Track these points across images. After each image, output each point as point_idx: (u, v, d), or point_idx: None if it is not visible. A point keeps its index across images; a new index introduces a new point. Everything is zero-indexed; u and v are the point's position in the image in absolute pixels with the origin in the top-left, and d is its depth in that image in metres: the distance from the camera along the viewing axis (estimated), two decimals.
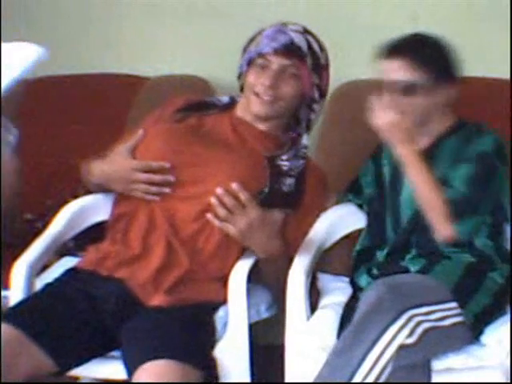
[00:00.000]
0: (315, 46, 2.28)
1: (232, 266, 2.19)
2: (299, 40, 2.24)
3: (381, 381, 1.92)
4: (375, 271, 2.29)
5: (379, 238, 2.35)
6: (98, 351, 2.11)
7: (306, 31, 2.29)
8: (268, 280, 2.27)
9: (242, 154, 2.25)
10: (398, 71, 2.21)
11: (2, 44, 1.91)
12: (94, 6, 3.08)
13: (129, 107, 2.85)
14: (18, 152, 2.06)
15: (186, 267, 2.16)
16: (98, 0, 3.08)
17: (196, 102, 2.37)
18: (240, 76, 2.34)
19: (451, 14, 2.83)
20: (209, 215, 2.11)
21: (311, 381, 2.01)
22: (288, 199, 2.24)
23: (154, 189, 2.22)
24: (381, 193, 2.39)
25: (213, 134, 2.30)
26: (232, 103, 2.37)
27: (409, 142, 2.18)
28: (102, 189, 2.35)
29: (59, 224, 2.40)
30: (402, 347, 1.92)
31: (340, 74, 2.86)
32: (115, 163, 2.27)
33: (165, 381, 1.90)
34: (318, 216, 2.33)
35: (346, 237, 2.52)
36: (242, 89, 2.34)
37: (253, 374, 2.17)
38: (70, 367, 2.08)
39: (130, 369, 1.97)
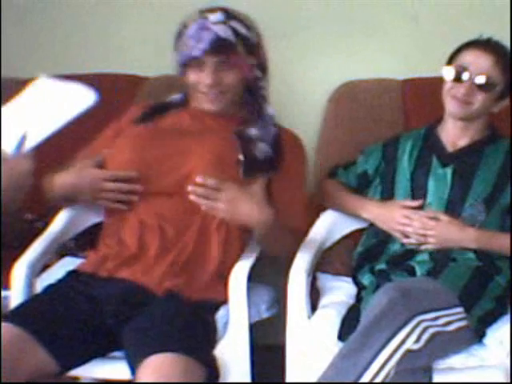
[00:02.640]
0: (242, 30, 2.26)
1: (232, 258, 2.21)
2: (224, 32, 2.23)
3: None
4: (383, 266, 2.29)
5: (387, 233, 2.36)
6: (99, 352, 2.11)
7: (227, 17, 2.25)
8: (271, 254, 2.29)
9: (209, 135, 2.28)
10: (485, 64, 2.28)
11: (54, 81, 1.91)
12: (94, 6, 3.07)
13: (129, 107, 2.84)
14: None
15: (187, 253, 2.19)
16: (98, 0, 3.08)
17: (151, 106, 2.41)
18: (179, 75, 2.35)
19: (451, 14, 2.83)
20: (203, 207, 2.13)
21: (312, 381, 2.01)
22: (266, 164, 2.26)
23: (122, 197, 2.25)
24: (390, 188, 2.40)
25: (176, 128, 2.33)
26: (186, 99, 2.40)
27: (463, 229, 2.26)
28: (65, 201, 2.37)
29: (59, 224, 2.41)
30: (407, 352, 1.92)
31: (340, 74, 2.88)
32: (82, 173, 2.28)
33: (170, 374, 1.90)
34: (303, 180, 2.35)
35: (346, 237, 2.52)
36: (184, 86, 2.36)
37: (253, 374, 2.17)
38: (71, 367, 2.07)
39: (134, 364, 1.96)
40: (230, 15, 2.26)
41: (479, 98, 2.30)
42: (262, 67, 2.34)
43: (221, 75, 2.24)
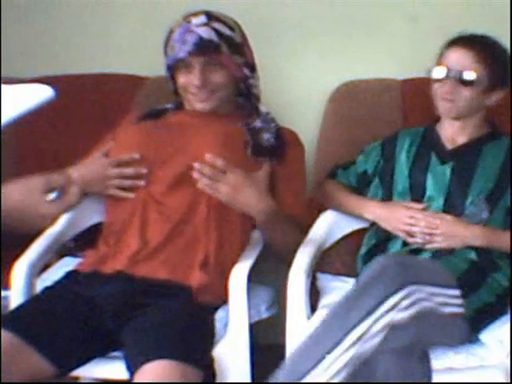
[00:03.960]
0: (225, 31, 2.30)
1: (233, 256, 2.22)
2: (207, 34, 2.27)
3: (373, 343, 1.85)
4: None
5: (387, 233, 2.36)
6: (99, 352, 2.11)
7: (209, 19, 2.30)
8: (276, 246, 2.30)
9: (214, 125, 2.31)
10: (464, 60, 2.29)
11: (13, 86, 1.90)
12: (94, 6, 3.07)
13: (129, 107, 2.84)
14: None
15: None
16: (98, 0, 3.08)
17: (147, 113, 2.44)
18: (168, 79, 2.40)
19: (451, 14, 2.83)
20: (199, 184, 2.16)
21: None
22: (271, 151, 2.32)
23: (127, 182, 2.27)
24: (389, 185, 2.40)
25: (178, 125, 2.36)
26: (180, 105, 2.44)
27: (467, 227, 2.26)
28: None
29: (59, 224, 2.40)
30: (396, 323, 1.81)
31: (340, 74, 2.88)
32: (90, 164, 2.33)
33: (167, 381, 1.89)
34: (304, 174, 2.39)
35: (346, 237, 2.52)
36: (175, 91, 2.40)
37: (253, 374, 2.17)
38: (70, 369, 2.07)
39: (132, 369, 1.97)
40: (212, 17, 2.31)
41: (464, 95, 2.30)
42: (250, 66, 2.38)
43: (208, 75, 2.28)
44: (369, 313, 1.84)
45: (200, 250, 2.21)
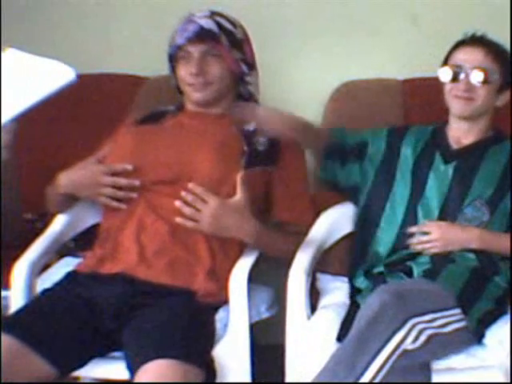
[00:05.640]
0: (227, 25, 2.34)
1: (232, 257, 2.22)
2: (208, 24, 2.32)
3: None
4: (381, 269, 2.28)
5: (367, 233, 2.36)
6: (99, 353, 2.11)
7: (213, 14, 2.35)
8: (272, 256, 2.30)
9: (211, 130, 2.32)
10: (477, 59, 2.30)
11: (32, 57, 1.89)
12: (93, 6, 3.08)
13: (129, 107, 2.84)
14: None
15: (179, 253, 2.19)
16: (98, 0, 3.08)
17: (147, 114, 2.45)
18: (170, 73, 2.42)
19: (451, 14, 2.84)
20: (178, 219, 2.13)
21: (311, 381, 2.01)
22: (267, 156, 2.31)
23: (120, 193, 2.26)
24: (391, 176, 2.39)
25: (177, 126, 2.37)
26: (181, 106, 2.44)
27: (465, 229, 2.26)
28: (69, 201, 2.38)
29: (59, 224, 2.41)
30: (405, 351, 1.91)
31: (340, 74, 2.88)
32: (84, 169, 2.31)
33: (168, 380, 1.90)
34: (305, 176, 2.38)
35: (346, 237, 2.52)
36: (179, 90, 2.42)
37: (253, 374, 2.17)
38: (71, 370, 2.08)
39: (133, 368, 1.97)
40: (216, 13, 2.35)
41: (480, 93, 2.31)
42: (249, 63, 2.39)
43: (205, 65, 2.30)
44: (374, 357, 1.89)
45: (204, 257, 2.20)
